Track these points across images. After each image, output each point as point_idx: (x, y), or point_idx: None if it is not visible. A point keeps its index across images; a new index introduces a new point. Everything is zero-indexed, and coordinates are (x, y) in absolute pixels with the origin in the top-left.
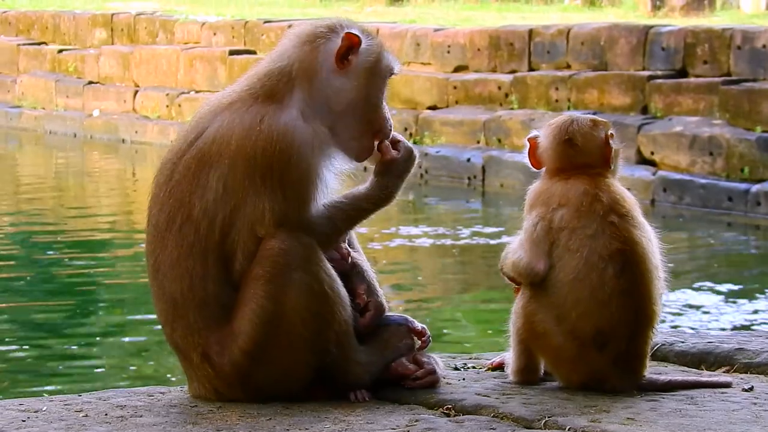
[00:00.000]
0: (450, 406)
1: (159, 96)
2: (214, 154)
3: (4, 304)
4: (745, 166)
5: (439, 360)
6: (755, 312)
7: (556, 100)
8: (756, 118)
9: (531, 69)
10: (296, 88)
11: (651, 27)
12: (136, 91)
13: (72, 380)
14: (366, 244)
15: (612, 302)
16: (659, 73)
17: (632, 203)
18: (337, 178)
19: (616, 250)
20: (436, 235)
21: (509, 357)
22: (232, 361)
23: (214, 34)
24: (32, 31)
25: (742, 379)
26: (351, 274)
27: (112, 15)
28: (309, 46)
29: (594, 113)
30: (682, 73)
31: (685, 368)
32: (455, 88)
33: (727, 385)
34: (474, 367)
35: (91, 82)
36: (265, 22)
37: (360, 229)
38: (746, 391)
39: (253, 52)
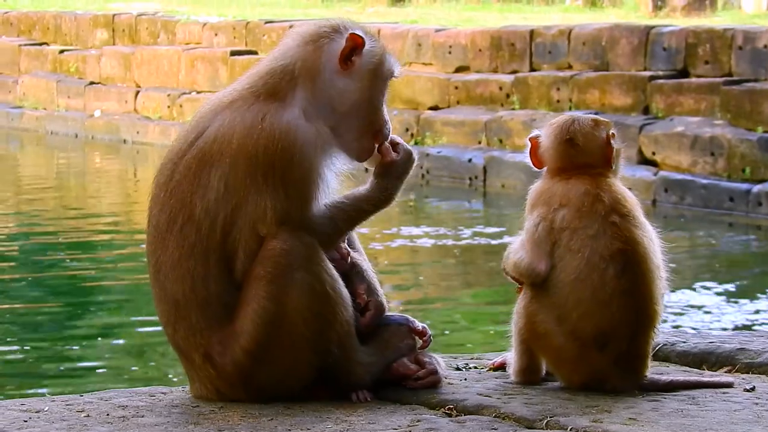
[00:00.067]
0: (452, 407)
1: (160, 96)
2: (215, 153)
3: (5, 305)
4: (747, 167)
5: (440, 360)
6: (757, 312)
7: (558, 101)
8: (757, 118)
9: (532, 69)
10: (299, 87)
11: (652, 27)
12: (138, 92)
13: (74, 380)
14: (367, 244)
15: (613, 302)
16: (660, 73)
17: (633, 203)
18: (338, 178)
19: (618, 250)
20: (437, 236)
21: (511, 357)
22: (234, 361)
23: (216, 34)
24: (34, 31)
25: (743, 379)
26: (351, 273)
27: (114, 15)
28: (312, 46)
29: (595, 113)
30: (684, 73)
31: (687, 368)
32: (456, 88)
33: (729, 385)
34: (476, 367)
35: (92, 83)
36: (267, 22)
37: (361, 230)
38: (748, 391)
39: (255, 53)
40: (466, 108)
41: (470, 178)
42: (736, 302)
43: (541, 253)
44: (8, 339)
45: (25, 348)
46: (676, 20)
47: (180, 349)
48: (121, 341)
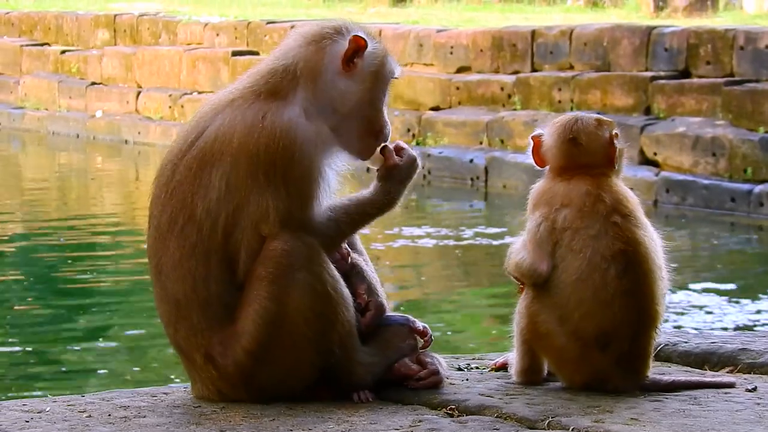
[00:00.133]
0: (453, 407)
1: (162, 97)
2: (216, 152)
3: (5, 305)
4: (748, 167)
5: (442, 360)
6: (758, 312)
7: (559, 101)
8: (759, 118)
9: (534, 70)
10: (300, 87)
11: (654, 28)
12: (139, 92)
13: (75, 381)
14: (369, 244)
15: (615, 303)
16: (662, 73)
17: (635, 203)
18: (339, 178)
19: (619, 250)
20: (438, 236)
21: (513, 357)
22: (236, 361)
23: (217, 34)
24: (35, 31)
25: (745, 379)
26: (351, 274)
27: (115, 16)
28: (315, 47)
29: (597, 114)
30: (685, 73)
31: (689, 368)
32: (458, 89)
33: (731, 385)
34: (477, 368)
35: (93, 83)
36: (268, 23)
37: (363, 230)
38: (749, 391)
39: (256, 53)
40: (468, 108)
41: (472, 179)
42: (737, 302)
43: (542, 254)
44: (10, 339)
45: (27, 348)
46: (678, 21)
47: (181, 350)
48: (122, 342)
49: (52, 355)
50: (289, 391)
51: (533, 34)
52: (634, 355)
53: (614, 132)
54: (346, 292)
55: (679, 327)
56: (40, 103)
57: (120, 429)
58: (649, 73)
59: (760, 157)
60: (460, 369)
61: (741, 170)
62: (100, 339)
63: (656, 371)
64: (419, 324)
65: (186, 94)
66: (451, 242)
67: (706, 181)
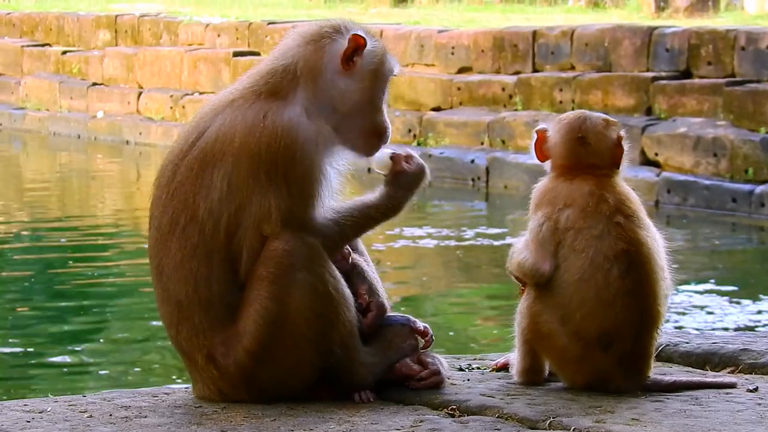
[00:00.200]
0: (454, 407)
1: (163, 97)
2: (217, 152)
3: (7, 306)
4: (750, 167)
5: (443, 360)
6: (759, 312)
7: (560, 102)
8: (760, 119)
9: (535, 70)
10: (300, 87)
11: (655, 28)
12: (140, 93)
13: (76, 381)
14: (370, 245)
15: (617, 303)
16: (663, 74)
17: (637, 204)
18: (340, 177)
19: (622, 250)
20: (440, 237)
21: (514, 357)
22: (237, 361)
23: (218, 35)
24: (36, 32)
25: (746, 379)
26: (352, 274)
27: (116, 16)
28: (314, 46)
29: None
30: (686, 74)
31: (690, 369)
32: (459, 89)
33: (732, 385)
34: (479, 368)
35: (95, 84)
36: (269, 23)
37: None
38: (751, 391)
39: (257, 54)
40: (469, 109)
41: (473, 179)
42: (739, 303)
43: (545, 254)
44: (10, 340)
45: (28, 349)
46: (679, 21)
47: (183, 350)
48: (123, 342)
49: (53, 355)
50: (291, 391)
51: (534, 34)
52: (636, 355)
53: (621, 133)
54: (348, 292)
55: (680, 327)
56: (41, 103)
57: (121, 429)
58: (650, 74)
59: (762, 158)
60: (461, 369)
61: (742, 171)
62: (101, 339)
63: (658, 371)
64: (420, 324)
65: (187, 94)
66: (452, 243)
67: (707, 182)
